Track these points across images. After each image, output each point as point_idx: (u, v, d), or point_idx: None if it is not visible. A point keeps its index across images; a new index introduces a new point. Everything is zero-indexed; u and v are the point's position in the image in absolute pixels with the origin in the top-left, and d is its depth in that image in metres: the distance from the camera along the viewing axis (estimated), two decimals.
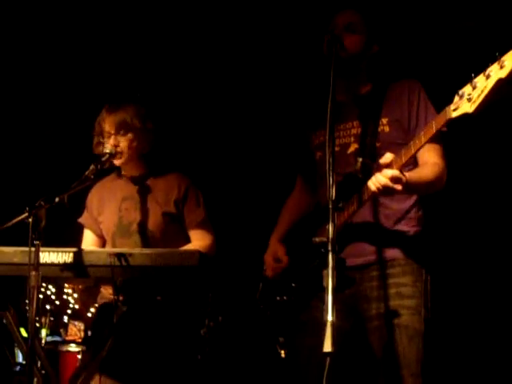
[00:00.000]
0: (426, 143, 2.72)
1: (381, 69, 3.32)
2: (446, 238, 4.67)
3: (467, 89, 2.48)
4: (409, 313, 3.03)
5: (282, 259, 3.35)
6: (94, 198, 4.00)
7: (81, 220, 4.03)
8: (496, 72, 2.39)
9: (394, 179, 2.73)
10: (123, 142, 3.79)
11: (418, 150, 2.75)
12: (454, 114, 2.53)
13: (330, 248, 2.46)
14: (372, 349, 3.09)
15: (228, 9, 4.91)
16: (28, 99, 5.46)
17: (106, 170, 3.78)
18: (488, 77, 2.41)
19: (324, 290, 2.42)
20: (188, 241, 3.86)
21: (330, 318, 2.36)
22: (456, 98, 2.52)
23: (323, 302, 2.40)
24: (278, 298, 3.26)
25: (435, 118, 2.68)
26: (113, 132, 3.78)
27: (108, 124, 3.80)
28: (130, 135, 3.79)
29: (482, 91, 2.42)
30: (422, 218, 3.19)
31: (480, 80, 2.43)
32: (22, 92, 5.41)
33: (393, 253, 3.10)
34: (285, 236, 3.42)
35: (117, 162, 3.79)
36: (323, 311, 2.39)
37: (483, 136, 4.78)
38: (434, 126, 2.65)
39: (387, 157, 2.77)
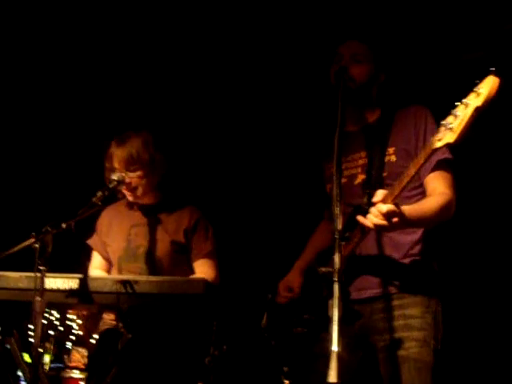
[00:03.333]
0: (416, 173, 2.72)
1: (389, 96, 3.33)
2: (457, 269, 4.65)
3: (449, 119, 2.51)
4: (418, 345, 3.00)
5: (294, 290, 3.35)
6: (103, 220, 4.03)
7: (89, 242, 4.05)
8: (473, 100, 2.43)
9: (390, 214, 2.70)
10: (134, 179, 3.81)
11: (410, 180, 2.73)
12: (438, 145, 2.55)
13: (335, 278, 2.45)
14: (382, 380, 3.07)
15: (241, 39, 4.96)
16: (35, 125, 5.49)
17: (118, 198, 3.82)
18: (466, 106, 2.44)
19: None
20: (194, 271, 3.87)
21: (335, 348, 2.35)
22: (441, 128, 2.54)
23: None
24: (294, 330, 3.23)
25: (422, 149, 2.70)
26: (122, 169, 3.79)
27: (117, 161, 3.81)
28: (139, 172, 3.81)
29: (462, 120, 2.45)
30: (431, 249, 3.15)
31: (460, 109, 2.47)
32: (29, 117, 5.45)
33: (401, 285, 3.07)
34: (307, 267, 3.40)
35: (132, 198, 3.85)
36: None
37: (494, 165, 4.80)
38: (422, 157, 2.66)
39: (379, 194, 2.75)
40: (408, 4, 4.50)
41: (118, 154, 3.81)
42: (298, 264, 3.46)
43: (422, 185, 3.09)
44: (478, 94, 2.42)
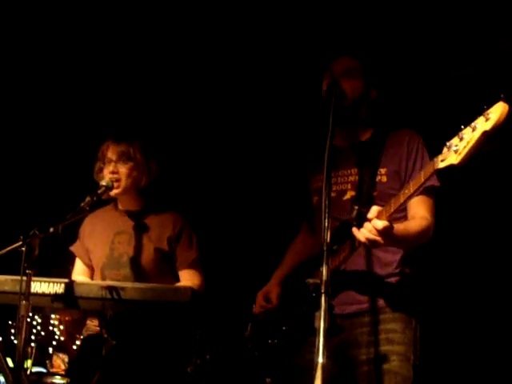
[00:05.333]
0: (415, 193, 2.73)
1: (381, 114, 3.36)
2: (437, 289, 4.70)
3: (455, 140, 2.50)
4: (398, 359, 3.03)
5: (272, 301, 3.36)
6: (86, 227, 4.01)
7: (72, 248, 4.03)
8: (481, 124, 2.41)
9: (384, 231, 2.73)
10: (123, 169, 3.81)
11: (407, 199, 2.75)
12: (441, 165, 2.55)
13: (322, 290, 2.46)
14: None
15: (228, 52, 4.98)
16: (25, 128, 5.48)
17: (104, 200, 3.80)
18: (474, 129, 2.43)
19: (315, 332, 2.43)
20: (178, 280, 3.87)
21: (320, 359, 2.37)
22: (444, 149, 2.55)
23: (314, 345, 2.40)
24: (269, 341, 3.25)
25: (423, 169, 2.71)
26: (114, 159, 3.82)
27: (111, 151, 3.84)
28: (130, 164, 3.83)
29: (468, 143, 2.44)
30: (414, 269, 3.20)
31: (467, 132, 2.46)
32: (17, 119, 5.43)
33: (384, 302, 3.10)
34: (285, 277, 3.43)
35: (115, 191, 3.79)
36: (314, 354, 2.39)
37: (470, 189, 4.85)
38: (422, 176, 2.67)
39: (374, 210, 2.77)
40: (397, 22, 4.53)
41: (114, 147, 3.84)
42: (276, 275, 3.48)
43: (406, 208, 3.13)
44: (487, 119, 2.40)
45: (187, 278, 3.84)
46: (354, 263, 3.08)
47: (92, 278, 3.97)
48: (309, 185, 3.40)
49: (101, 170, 3.87)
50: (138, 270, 3.80)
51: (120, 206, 3.96)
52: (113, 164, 3.81)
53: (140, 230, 3.88)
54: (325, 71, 3.28)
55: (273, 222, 5.30)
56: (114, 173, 3.79)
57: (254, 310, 3.41)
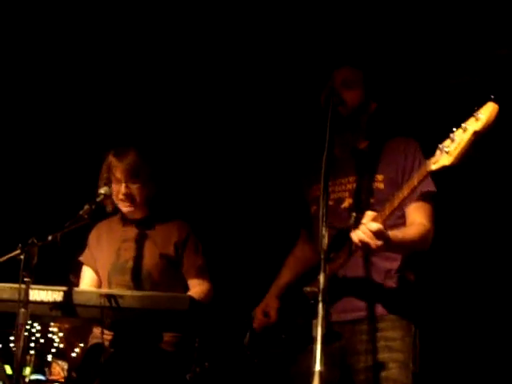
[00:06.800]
0: (409, 196, 2.75)
1: (379, 123, 3.37)
2: (436, 296, 4.70)
3: (446, 142, 2.52)
4: (397, 366, 3.02)
5: (271, 315, 3.36)
6: (94, 235, 4.04)
7: (81, 258, 4.06)
8: (472, 125, 2.44)
9: (378, 233, 2.74)
10: (134, 190, 3.84)
11: (401, 202, 2.76)
12: (433, 167, 2.58)
13: (320, 298, 2.47)
14: None
15: (226, 62, 4.99)
16: (24, 135, 5.49)
17: (109, 212, 3.83)
18: (465, 130, 2.46)
19: (313, 340, 2.43)
20: (184, 285, 3.88)
21: (318, 368, 2.37)
22: (437, 152, 2.56)
23: (312, 353, 2.40)
24: (271, 350, 3.25)
25: (417, 171, 2.73)
26: (123, 180, 3.82)
27: (119, 171, 3.83)
28: (139, 184, 3.84)
29: (459, 144, 2.47)
30: (412, 276, 3.20)
31: (458, 133, 2.48)
32: (15, 126, 5.44)
33: (383, 309, 3.10)
34: (284, 290, 3.42)
35: (128, 210, 3.86)
36: (312, 361, 2.39)
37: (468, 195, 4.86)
38: (416, 179, 2.69)
39: (368, 215, 2.78)
40: (394, 29, 4.55)
41: (119, 165, 3.83)
42: (274, 288, 3.47)
43: (404, 215, 3.14)
44: (477, 119, 2.43)
45: (195, 285, 3.86)
46: (353, 270, 3.08)
47: (100, 286, 3.98)
48: (307, 194, 3.41)
49: (109, 180, 3.86)
50: (143, 276, 3.81)
51: (126, 216, 3.99)
52: (123, 185, 3.83)
53: (145, 236, 3.90)
54: (324, 81, 3.29)
55: (272, 229, 5.30)
56: (127, 195, 3.82)
57: (254, 324, 3.41)
